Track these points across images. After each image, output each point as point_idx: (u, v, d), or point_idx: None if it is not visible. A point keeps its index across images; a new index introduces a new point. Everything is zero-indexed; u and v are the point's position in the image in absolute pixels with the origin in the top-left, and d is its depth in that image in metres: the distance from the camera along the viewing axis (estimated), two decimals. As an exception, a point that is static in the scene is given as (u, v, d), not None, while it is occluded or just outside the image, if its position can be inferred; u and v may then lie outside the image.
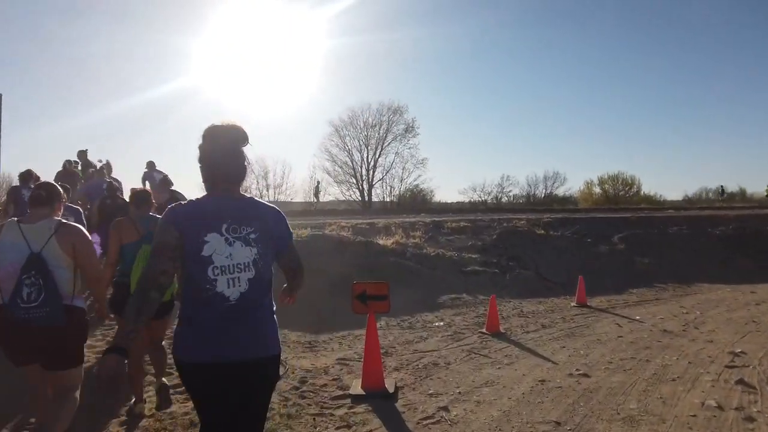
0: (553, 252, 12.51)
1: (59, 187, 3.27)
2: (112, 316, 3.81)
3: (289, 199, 37.85)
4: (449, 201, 41.41)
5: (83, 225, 5.34)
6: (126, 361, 2.02)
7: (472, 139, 61.56)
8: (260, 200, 2.32)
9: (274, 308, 2.30)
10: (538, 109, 62.81)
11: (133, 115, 55.66)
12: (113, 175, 10.05)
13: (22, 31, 54.50)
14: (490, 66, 62.71)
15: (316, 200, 32.85)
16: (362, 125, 40.07)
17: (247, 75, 62.12)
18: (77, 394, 3.18)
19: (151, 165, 10.81)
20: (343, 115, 40.57)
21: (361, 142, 40.23)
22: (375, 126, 40.18)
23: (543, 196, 44.50)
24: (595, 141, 63.94)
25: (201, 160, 2.23)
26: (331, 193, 40.13)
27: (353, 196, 40.24)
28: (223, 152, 2.19)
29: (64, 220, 3.15)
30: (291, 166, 45.85)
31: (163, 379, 4.14)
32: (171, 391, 4.27)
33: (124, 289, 3.71)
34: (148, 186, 9.13)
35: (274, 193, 37.75)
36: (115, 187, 7.41)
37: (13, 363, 3.11)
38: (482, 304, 9.01)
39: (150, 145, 54.68)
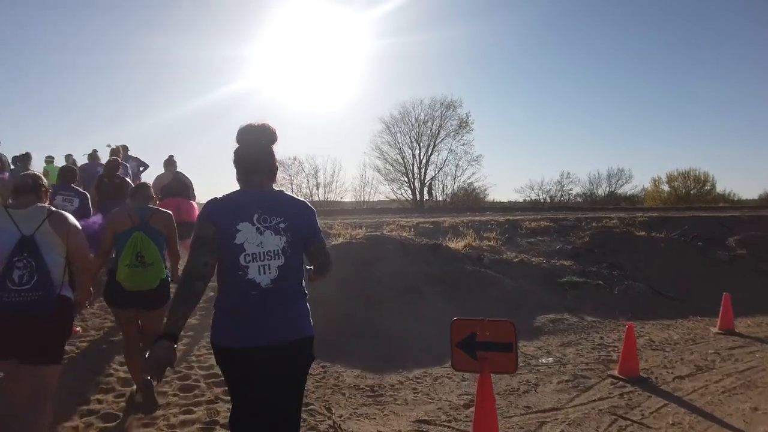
0: (658, 258, 10.05)
1: (44, 179, 3.14)
2: (87, 305, 3.77)
3: (339, 198, 36.18)
4: (503, 200, 38.83)
5: (88, 209, 5.46)
6: (175, 347, 2.07)
7: (528, 136, 58.08)
8: (290, 194, 2.39)
9: (306, 294, 2.34)
10: (601, 104, 58.75)
11: (197, 117, 55.99)
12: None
13: (107, 43, 55.78)
14: (548, 59, 59.27)
15: None
16: (414, 121, 37.96)
17: (299, 77, 61.52)
18: (50, 405, 2.94)
19: (124, 149, 8.97)
20: (394, 112, 38.66)
21: (413, 139, 38.11)
22: (427, 122, 37.98)
23: (605, 194, 41.15)
24: (662, 137, 59.20)
25: (235, 158, 2.35)
26: (382, 191, 38.23)
27: (404, 195, 38.20)
28: (254, 151, 2.32)
29: (54, 209, 3.03)
30: (341, 164, 44.25)
31: (148, 376, 3.76)
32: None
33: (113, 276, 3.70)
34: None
35: (324, 191, 36.16)
36: (112, 167, 6.63)
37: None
38: (594, 329, 6.78)
39: (212, 144, 54.72)
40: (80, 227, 3.07)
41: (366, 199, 37.16)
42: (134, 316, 3.83)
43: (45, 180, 3.14)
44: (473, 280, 7.80)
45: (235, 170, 2.36)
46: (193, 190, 7.26)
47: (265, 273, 2.16)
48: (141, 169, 9.77)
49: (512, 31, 58.03)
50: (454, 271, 7.93)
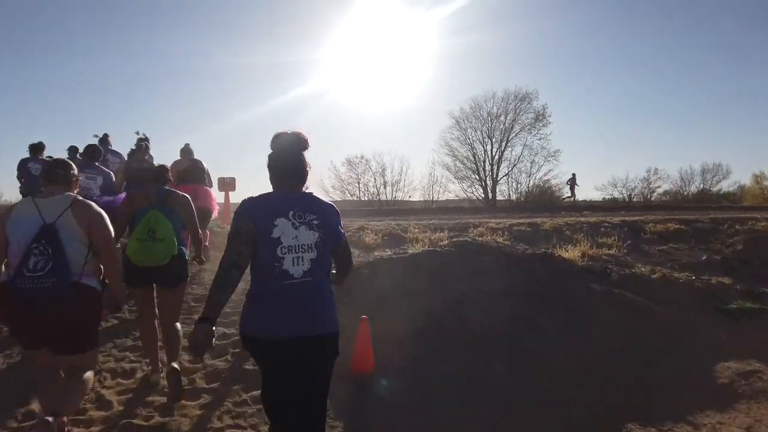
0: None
1: (75, 167, 3.13)
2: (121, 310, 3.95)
3: (407, 197, 34.20)
4: (582, 198, 35.44)
5: (112, 187, 5.63)
6: (213, 329, 2.21)
7: (610, 129, 53.58)
8: (319, 196, 2.48)
9: (333, 293, 2.44)
10: (691, 94, 53.36)
11: (268, 120, 56.11)
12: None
13: (186, 51, 57.38)
14: (633, 47, 54.53)
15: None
16: (485, 116, 35.37)
17: (367, 77, 59.99)
18: (90, 375, 3.01)
19: (104, 139, 7.92)
20: (465, 106, 36.24)
21: (485, 134, 35.53)
22: (500, 116, 35.27)
23: (697, 191, 36.76)
24: (763, 129, 52.93)
25: (269, 163, 2.47)
26: (451, 190, 35.91)
27: (475, 194, 35.71)
28: (286, 157, 2.44)
29: (80, 197, 3.02)
30: (409, 162, 42.18)
31: (174, 364, 3.59)
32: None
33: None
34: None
35: (392, 190, 34.29)
36: (142, 149, 6.67)
37: (23, 346, 3.04)
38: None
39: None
40: (105, 215, 3.00)
41: (435, 198, 34.98)
42: (151, 297, 3.80)
43: (75, 169, 3.13)
44: (605, 304, 5.53)
45: (268, 174, 2.49)
46: (210, 178, 7.10)
47: (298, 264, 2.26)
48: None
49: (591, 21, 53.80)
50: (575, 291, 5.70)
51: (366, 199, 33.82)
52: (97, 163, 5.84)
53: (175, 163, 6.98)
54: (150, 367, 4.00)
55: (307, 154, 2.48)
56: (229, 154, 51.22)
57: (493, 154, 35.47)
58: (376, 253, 6.92)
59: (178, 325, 3.86)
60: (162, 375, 3.88)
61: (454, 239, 6.48)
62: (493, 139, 35.38)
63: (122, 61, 56.89)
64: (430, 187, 35.22)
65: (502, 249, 6.34)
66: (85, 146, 6.35)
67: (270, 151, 2.47)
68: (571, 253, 6.84)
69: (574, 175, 29.75)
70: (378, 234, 7.93)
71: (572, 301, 5.52)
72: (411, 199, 34.01)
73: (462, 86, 60.90)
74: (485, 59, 54.90)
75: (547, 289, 5.67)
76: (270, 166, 2.47)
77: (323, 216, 2.37)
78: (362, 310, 4.78)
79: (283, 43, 62.58)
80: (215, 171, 7.87)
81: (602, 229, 8.78)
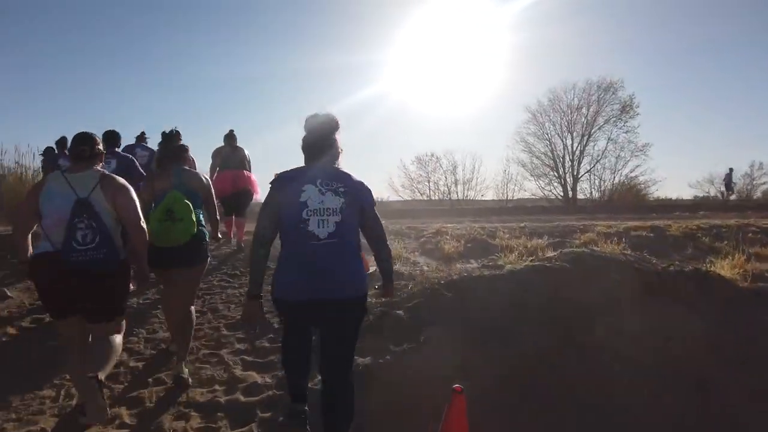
0: None
1: (100, 141, 3.13)
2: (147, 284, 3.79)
3: (480, 196, 32.21)
4: (670, 196, 31.83)
5: (125, 172, 4.76)
6: (260, 302, 2.54)
7: (706, 121, 48.55)
8: (350, 172, 2.55)
9: (362, 253, 2.52)
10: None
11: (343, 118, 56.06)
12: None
13: (259, 56, 58.41)
14: (725, 31, 49.19)
15: None
16: (565, 108, 32.57)
17: (437, 74, 58.03)
18: (120, 339, 3.10)
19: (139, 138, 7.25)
20: (543, 98, 33.66)
21: (564, 128, 32.79)
22: (581, 108, 32.34)
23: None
24: None
25: (302, 144, 2.58)
26: (527, 188, 33.44)
27: (554, 192, 33.07)
28: (318, 138, 2.54)
29: (107, 172, 3.08)
30: (481, 159, 39.91)
31: (183, 366, 3.60)
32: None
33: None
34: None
35: (463, 189, 32.38)
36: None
37: (55, 315, 3.00)
38: None
39: (352, 144, 54.05)
40: (129, 188, 3.04)
41: (510, 196, 32.72)
42: (171, 278, 3.66)
43: (101, 145, 3.15)
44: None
45: (303, 155, 2.59)
46: (251, 165, 6.96)
47: (323, 226, 2.35)
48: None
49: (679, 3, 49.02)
50: (757, 332, 3.86)
51: (436, 198, 32.17)
52: (116, 149, 5.55)
53: (218, 150, 6.94)
54: (171, 336, 4.04)
55: (339, 135, 2.57)
56: (300, 159, 51.15)
57: (574, 149, 32.65)
58: (458, 265, 5.37)
59: (193, 312, 3.83)
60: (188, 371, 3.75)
61: (569, 253, 4.73)
62: (574, 133, 32.57)
63: (200, 68, 58.56)
64: (504, 186, 33.01)
65: (635, 264, 4.55)
66: (104, 132, 5.86)
67: (303, 133, 2.58)
68: (728, 269, 4.93)
69: (731, 170, 25.44)
70: (459, 240, 6.35)
71: (754, 348, 3.69)
72: (483, 198, 31.98)
73: (537, 80, 57.26)
74: (561, 52, 51.33)
75: (715, 326, 3.85)
76: (304, 147, 2.58)
77: (350, 185, 2.47)
78: (448, 357, 3.25)
79: (350, 45, 62.15)
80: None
81: (750, 234, 6.71)
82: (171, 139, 4.03)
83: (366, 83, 61.02)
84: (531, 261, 4.66)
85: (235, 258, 6.51)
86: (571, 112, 32.50)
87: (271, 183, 2.51)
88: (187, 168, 3.89)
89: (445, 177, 32.37)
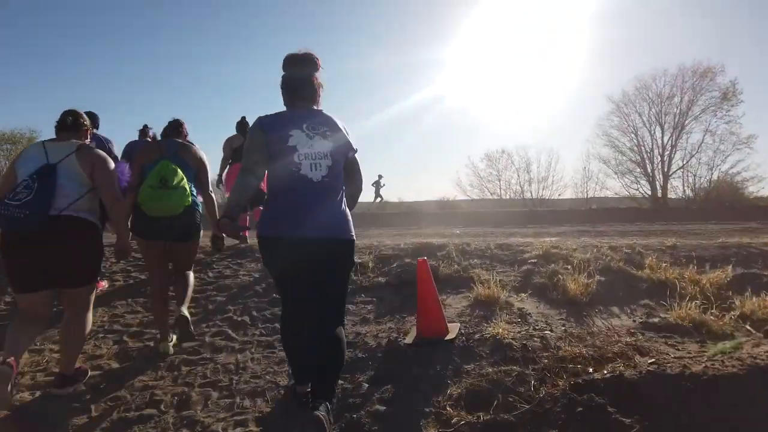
0: None
1: (85, 116, 3.21)
2: (134, 247, 3.41)
3: (557, 195, 29.07)
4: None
5: (109, 154, 4.15)
6: (230, 222, 2.32)
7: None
8: (329, 113, 2.49)
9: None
10: None
11: (395, 120, 54.13)
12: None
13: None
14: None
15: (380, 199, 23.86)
16: (654, 97, 28.65)
17: (506, 67, 54.73)
18: (89, 315, 3.01)
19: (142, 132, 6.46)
20: (628, 87, 29.98)
21: (652, 119, 28.95)
22: (672, 96, 28.37)
23: None
24: None
25: (282, 84, 2.49)
26: (610, 186, 29.87)
27: (641, 190, 29.31)
28: (298, 78, 2.46)
29: (86, 143, 3.11)
30: (558, 155, 36.44)
31: (183, 309, 3.40)
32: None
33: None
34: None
35: (538, 188, 29.33)
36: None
37: (18, 288, 2.87)
38: None
39: (408, 147, 52.02)
40: (108, 159, 3.04)
41: (590, 195, 29.35)
42: (163, 253, 3.46)
43: (86, 120, 3.20)
44: None
45: (282, 95, 2.51)
46: None
47: (316, 170, 2.30)
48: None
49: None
50: None
51: (508, 197, 29.39)
52: (94, 131, 5.00)
53: (229, 140, 6.40)
54: (159, 335, 3.57)
55: (318, 75, 2.51)
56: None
57: (664, 142, 28.78)
58: (600, 322, 3.12)
59: (191, 274, 3.64)
60: (171, 342, 3.53)
61: None
62: (664, 125, 28.66)
63: (257, 68, 58.49)
64: (584, 184, 29.63)
65: None
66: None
67: (283, 73, 2.50)
68: None
69: None
70: (582, 269, 3.98)
71: None
72: (561, 197, 28.84)
73: (619, 70, 52.14)
74: (645, 41, 46.49)
75: None
76: (282, 87, 2.50)
77: (335, 129, 2.43)
78: None
79: (417, 41, 59.97)
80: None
81: None
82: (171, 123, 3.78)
83: (431, 79, 58.70)
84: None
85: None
86: (661, 102, 28.61)
87: (251, 128, 2.42)
88: (182, 141, 3.67)
89: (518, 175, 29.54)
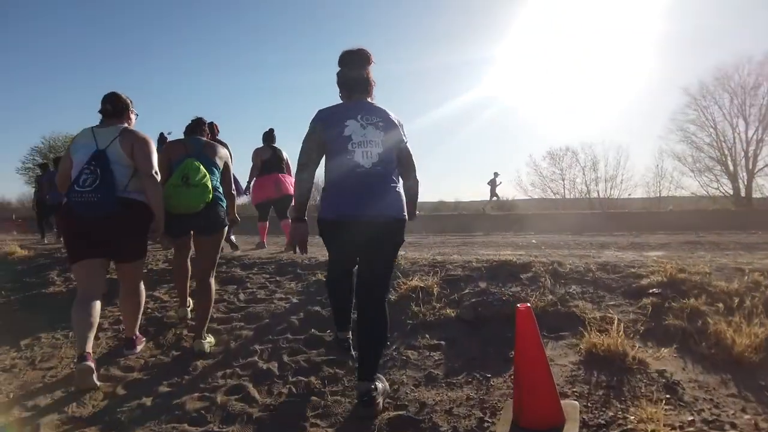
0: None
1: (124, 98, 3.29)
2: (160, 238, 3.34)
3: (627, 195, 26.84)
4: None
5: None
6: (303, 226, 2.54)
7: None
8: (382, 106, 2.62)
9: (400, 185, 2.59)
10: None
11: (445, 120, 52.59)
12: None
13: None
14: None
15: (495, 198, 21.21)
16: (737, 88, 25.95)
17: (568, 64, 51.91)
18: (142, 285, 3.34)
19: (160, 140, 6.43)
20: (706, 78, 27.26)
21: (734, 113, 26.19)
22: (758, 86, 25.55)
23: None
24: None
25: (338, 80, 2.66)
26: (685, 186, 27.30)
27: (721, 189, 26.60)
28: (353, 73, 2.61)
29: (130, 127, 3.24)
30: (628, 153, 33.75)
31: (202, 339, 3.28)
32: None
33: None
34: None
35: (606, 187, 27.16)
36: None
37: (75, 257, 3.03)
38: None
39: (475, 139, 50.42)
40: (149, 140, 3.17)
41: (663, 194, 26.94)
42: (187, 245, 3.66)
43: (124, 99, 3.28)
44: None
45: (339, 90, 2.68)
46: (289, 166, 6.49)
47: (367, 157, 2.44)
48: None
49: None
50: None
51: (572, 196, 27.45)
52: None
53: (258, 151, 6.46)
54: (178, 301, 3.94)
55: (371, 69, 2.65)
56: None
57: (748, 137, 25.99)
58: None
59: (212, 282, 3.50)
60: (189, 308, 3.83)
61: None
62: (749, 118, 25.89)
63: (301, 71, 58.53)
64: (657, 183, 27.22)
65: None
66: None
67: (339, 69, 2.65)
68: None
69: None
70: (735, 306, 2.77)
71: None
72: (631, 197, 26.62)
73: (692, 58, 47.97)
74: (721, 25, 42.56)
75: None
76: (340, 83, 2.66)
77: (388, 121, 2.56)
78: None
79: (466, 40, 58.17)
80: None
81: None
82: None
83: (480, 79, 56.65)
84: None
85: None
86: (744, 93, 25.86)
87: (313, 120, 2.54)
88: (207, 139, 3.70)
89: (584, 173, 27.48)
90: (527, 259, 4.09)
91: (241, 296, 4.08)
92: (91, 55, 57.52)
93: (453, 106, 52.64)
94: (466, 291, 3.56)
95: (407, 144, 2.66)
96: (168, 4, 64.54)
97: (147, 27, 60.26)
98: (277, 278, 4.46)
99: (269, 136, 6.51)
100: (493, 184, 20.35)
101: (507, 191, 28.49)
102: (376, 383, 2.39)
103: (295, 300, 3.86)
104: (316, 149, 2.51)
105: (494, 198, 20.88)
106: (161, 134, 5.74)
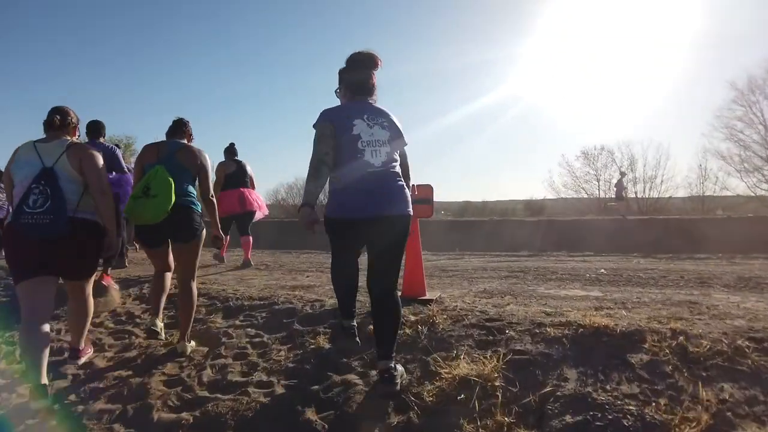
0: None
1: (73, 113, 3.16)
2: (134, 247, 3.78)
3: (666, 195, 24.85)
4: None
5: (116, 164, 4.86)
6: (311, 211, 2.35)
7: None
8: (387, 110, 2.62)
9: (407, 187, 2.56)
10: None
11: (470, 119, 50.78)
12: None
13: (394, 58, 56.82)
14: None
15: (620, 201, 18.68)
16: (788, 81, 23.67)
17: (601, 61, 49.45)
18: (90, 302, 3.16)
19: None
20: (755, 71, 25.00)
21: (786, 108, 23.87)
22: (813, 78, 23.26)
23: None
24: None
25: (344, 80, 2.63)
26: (730, 186, 25.12)
27: (770, 189, 24.34)
28: (360, 75, 2.60)
29: (76, 140, 3.12)
30: (668, 152, 31.42)
31: (186, 342, 3.24)
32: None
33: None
34: None
35: (644, 188, 25.14)
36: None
37: (20, 277, 2.82)
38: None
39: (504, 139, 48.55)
40: (97, 155, 3.02)
41: (706, 194, 24.87)
42: (163, 255, 3.38)
43: (74, 115, 3.15)
44: None
45: (342, 89, 2.65)
46: (253, 180, 6.36)
47: (376, 156, 2.44)
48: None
49: None
50: None
51: (607, 197, 25.58)
52: (101, 140, 5.07)
53: (221, 165, 6.21)
54: (150, 312, 3.63)
55: (377, 73, 2.65)
56: (426, 163, 47.72)
57: (801, 134, 23.67)
58: None
59: (194, 286, 3.34)
60: (160, 325, 3.39)
61: None
62: (802, 113, 23.58)
63: (318, 74, 57.57)
64: (700, 184, 25.12)
65: None
66: (87, 123, 5.16)
67: (345, 70, 2.63)
68: None
69: None
70: None
71: None
72: (672, 197, 24.64)
73: (738, 50, 44.78)
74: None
75: None
76: (345, 84, 2.63)
77: (390, 121, 2.57)
78: None
79: (490, 37, 56.11)
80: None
81: None
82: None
83: (506, 77, 54.48)
84: None
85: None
86: (797, 86, 23.48)
87: (317, 121, 2.51)
88: (184, 143, 3.46)
89: (620, 174, 25.52)
90: (631, 324, 2.68)
91: (205, 376, 2.78)
92: (92, 55, 57.31)
93: (478, 105, 50.90)
94: (548, 389, 2.19)
95: (405, 147, 2.70)
96: (168, 4, 64.12)
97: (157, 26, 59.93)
98: (265, 338, 3.17)
99: (231, 150, 6.40)
100: (620, 185, 18.42)
101: (535, 191, 26.77)
102: (396, 364, 2.47)
103: (279, 390, 2.55)
104: (333, 146, 2.45)
105: (620, 201, 18.86)
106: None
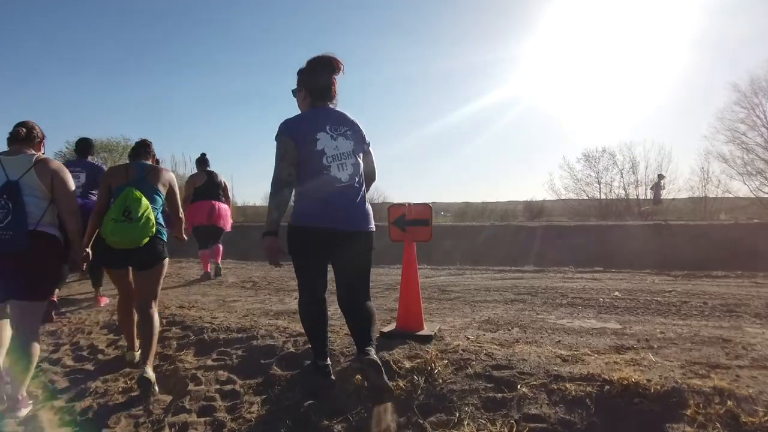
0: None
1: (38, 128, 3.08)
2: (83, 270, 3.26)
3: (669, 197, 24.41)
4: None
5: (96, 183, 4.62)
6: (275, 240, 2.35)
7: None
8: (345, 111, 2.56)
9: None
10: None
11: (478, 117, 50.27)
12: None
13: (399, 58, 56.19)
14: None
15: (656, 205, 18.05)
16: (792, 82, 23.19)
17: (602, 62, 48.97)
18: (37, 339, 2.84)
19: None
20: (758, 72, 24.51)
21: (790, 109, 23.41)
22: (817, 79, 22.80)
23: None
24: None
25: (303, 84, 2.54)
26: (732, 189, 24.65)
27: (773, 192, 23.90)
28: (321, 80, 2.50)
29: (43, 156, 2.99)
30: (670, 154, 30.72)
31: (147, 369, 2.94)
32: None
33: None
34: None
35: (646, 190, 24.64)
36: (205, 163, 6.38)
37: None
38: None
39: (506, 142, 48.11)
40: (66, 171, 2.97)
41: (708, 196, 24.45)
42: (127, 279, 3.26)
43: (39, 130, 3.08)
44: None
45: (304, 95, 2.55)
46: (227, 192, 6.33)
47: (343, 170, 2.40)
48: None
49: None
50: None
51: (609, 199, 25.21)
52: (89, 158, 5.02)
53: (192, 177, 6.24)
54: (126, 346, 3.49)
55: (338, 77, 2.55)
56: (426, 163, 47.07)
57: (805, 136, 23.23)
58: None
59: (155, 313, 3.14)
60: (153, 376, 3.02)
61: None
62: (806, 115, 23.14)
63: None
64: (702, 187, 24.68)
65: None
66: (76, 141, 5.27)
67: (305, 74, 2.54)
68: None
69: None
70: None
71: None
72: (675, 199, 24.20)
73: (739, 52, 44.25)
74: None
75: None
76: (307, 89, 2.52)
77: (354, 128, 2.51)
78: None
79: (491, 37, 55.71)
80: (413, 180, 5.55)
81: None
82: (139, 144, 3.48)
83: (505, 79, 53.97)
84: None
85: None
86: (801, 88, 23.02)
87: (278, 135, 2.42)
88: (151, 164, 3.41)
89: (621, 176, 25.07)
90: (666, 379, 2.25)
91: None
92: (91, 58, 56.75)
93: (478, 106, 50.29)
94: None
95: (371, 147, 2.64)
96: (169, 4, 63.60)
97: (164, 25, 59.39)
98: (237, 385, 2.75)
99: (203, 161, 6.31)
100: (657, 188, 17.81)
101: (535, 192, 26.35)
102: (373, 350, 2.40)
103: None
104: (294, 164, 2.38)
105: (656, 205, 18.27)
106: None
